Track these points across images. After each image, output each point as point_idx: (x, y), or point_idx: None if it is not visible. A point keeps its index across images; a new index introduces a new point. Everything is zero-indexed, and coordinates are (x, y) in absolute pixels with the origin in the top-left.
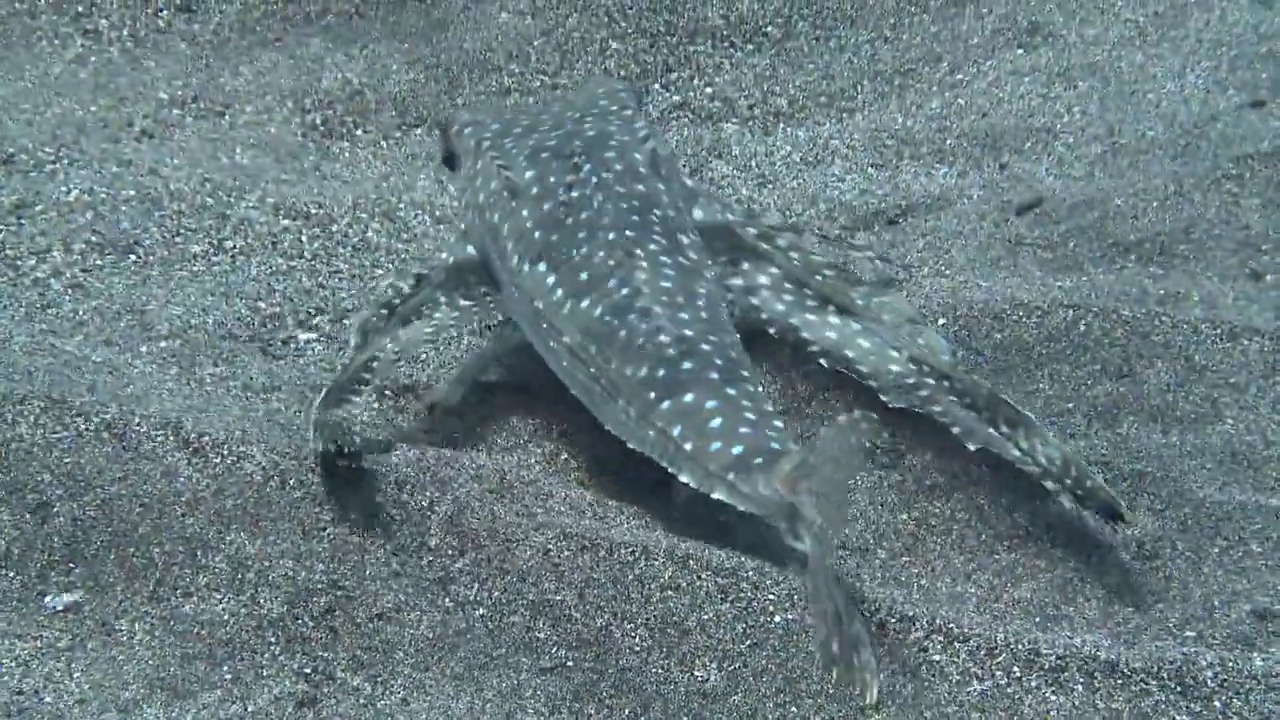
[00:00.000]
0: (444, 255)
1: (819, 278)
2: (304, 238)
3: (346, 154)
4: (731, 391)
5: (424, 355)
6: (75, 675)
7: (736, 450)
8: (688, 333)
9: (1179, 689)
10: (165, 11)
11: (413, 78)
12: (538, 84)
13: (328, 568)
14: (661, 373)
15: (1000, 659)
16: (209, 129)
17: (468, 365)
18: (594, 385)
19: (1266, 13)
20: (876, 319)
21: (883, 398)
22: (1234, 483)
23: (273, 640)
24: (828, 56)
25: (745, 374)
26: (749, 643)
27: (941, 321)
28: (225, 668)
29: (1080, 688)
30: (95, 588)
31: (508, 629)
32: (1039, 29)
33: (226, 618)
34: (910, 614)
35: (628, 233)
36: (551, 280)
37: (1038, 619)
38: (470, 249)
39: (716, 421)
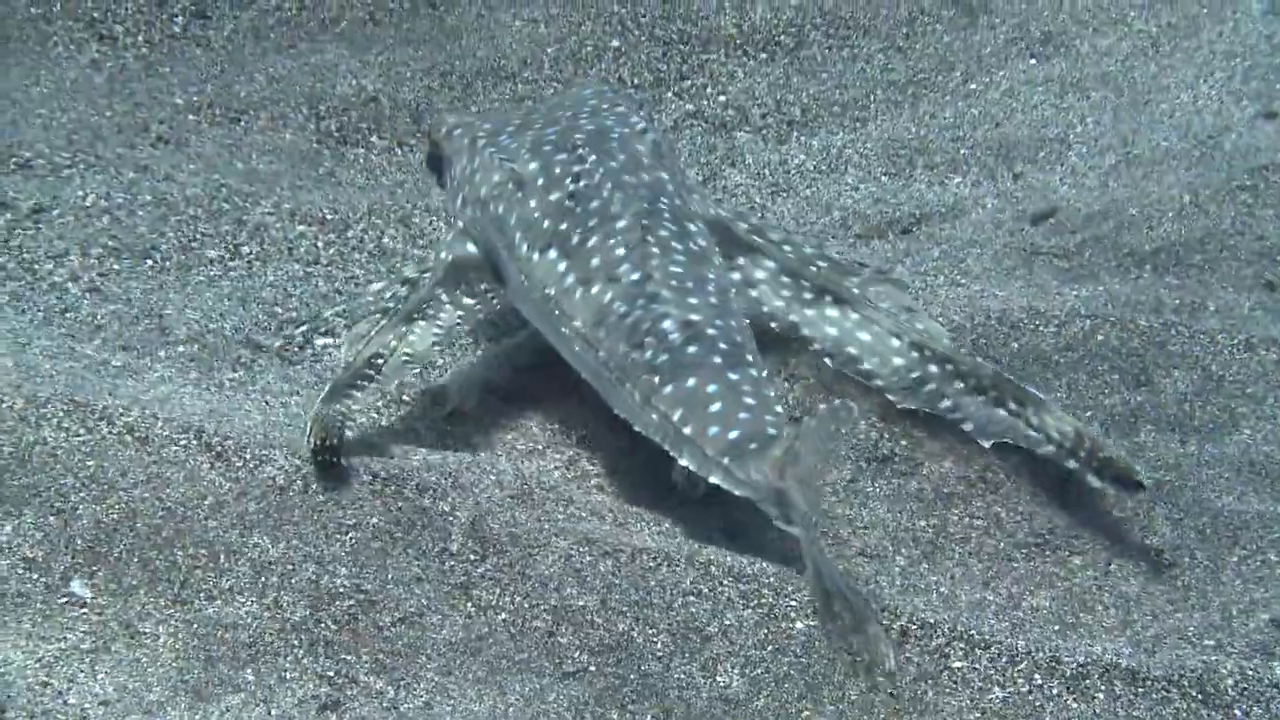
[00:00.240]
0: (443, 254)
1: (813, 269)
2: (320, 243)
3: (361, 160)
4: (734, 376)
5: (439, 362)
6: (99, 677)
7: (732, 435)
8: (695, 317)
9: (1200, 697)
10: (180, 18)
11: (427, 85)
12: (551, 91)
13: (350, 572)
14: (665, 357)
15: (1021, 666)
16: (224, 135)
17: (478, 369)
18: (603, 370)
19: (1279, 24)
20: (873, 307)
21: (890, 398)
22: (1252, 492)
23: (296, 644)
24: (841, 66)
25: (750, 358)
26: (771, 648)
27: (954, 324)
28: (249, 671)
29: (1101, 695)
30: (119, 590)
31: (530, 634)
32: (1052, 39)
33: (250, 621)
34: (932, 621)
35: (639, 220)
36: (563, 267)
37: (1057, 627)
38: (470, 246)
39: (716, 406)
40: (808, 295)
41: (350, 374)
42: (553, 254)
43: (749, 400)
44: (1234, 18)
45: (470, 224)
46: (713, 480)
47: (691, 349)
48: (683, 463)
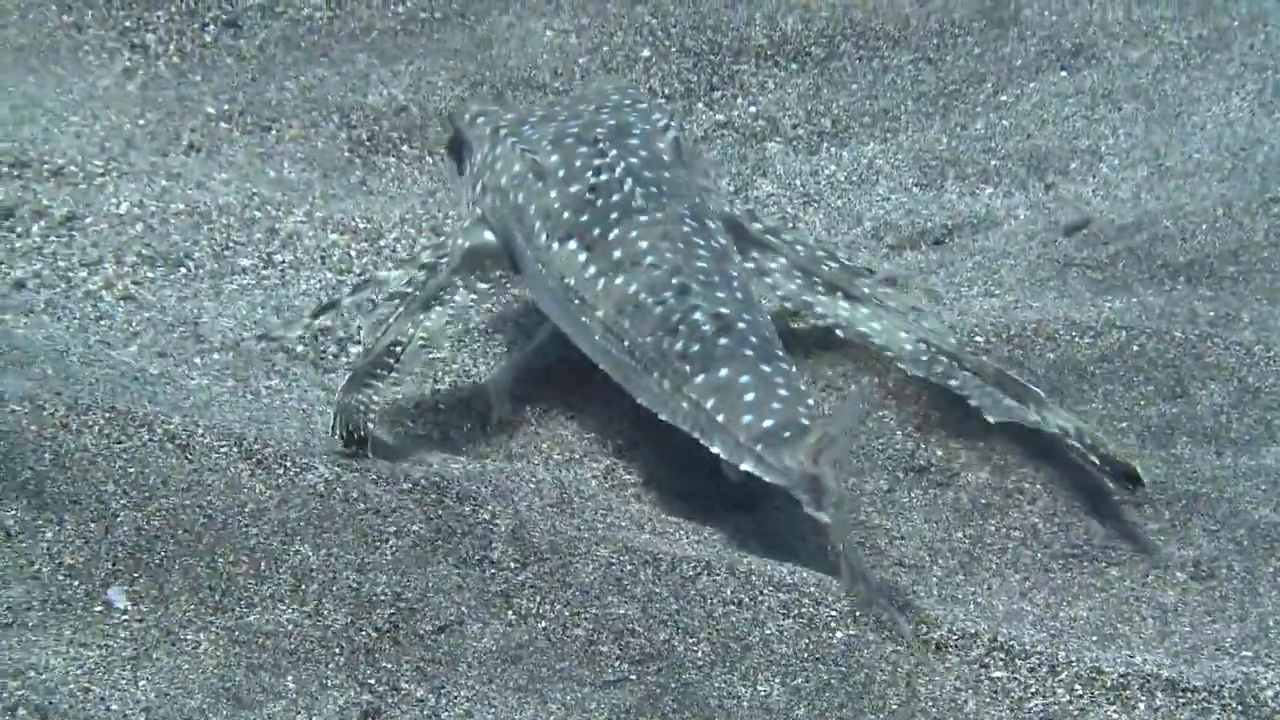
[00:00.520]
0: (459, 241)
1: (825, 268)
2: (352, 252)
3: (393, 169)
4: (766, 368)
5: (475, 370)
6: (141, 684)
7: (767, 424)
8: (724, 310)
9: (1240, 708)
10: (212, 27)
11: (458, 94)
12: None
13: (391, 579)
14: (697, 347)
15: (1062, 676)
16: (256, 144)
17: (506, 374)
18: (626, 359)
19: None
20: (881, 305)
21: (901, 366)
22: None
23: (337, 651)
24: (871, 77)
25: (779, 353)
26: (811, 658)
27: (988, 339)
28: (290, 678)
29: (1142, 706)
30: (160, 597)
31: (570, 642)
32: (1082, 51)
33: (291, 628)
34: (972, 630)
35: (658, 215)
36: (584, 258)
37: (1095, 637)
38: (487, 233)
39: (750, 396)
40: (820, 289)
41: (370, 361)
42: (573, 245)
43: (782, 391)
44: (1265, 30)
45: (489, 212)
46: (744, 467)
47: (723, 341)
48: (714, 450)
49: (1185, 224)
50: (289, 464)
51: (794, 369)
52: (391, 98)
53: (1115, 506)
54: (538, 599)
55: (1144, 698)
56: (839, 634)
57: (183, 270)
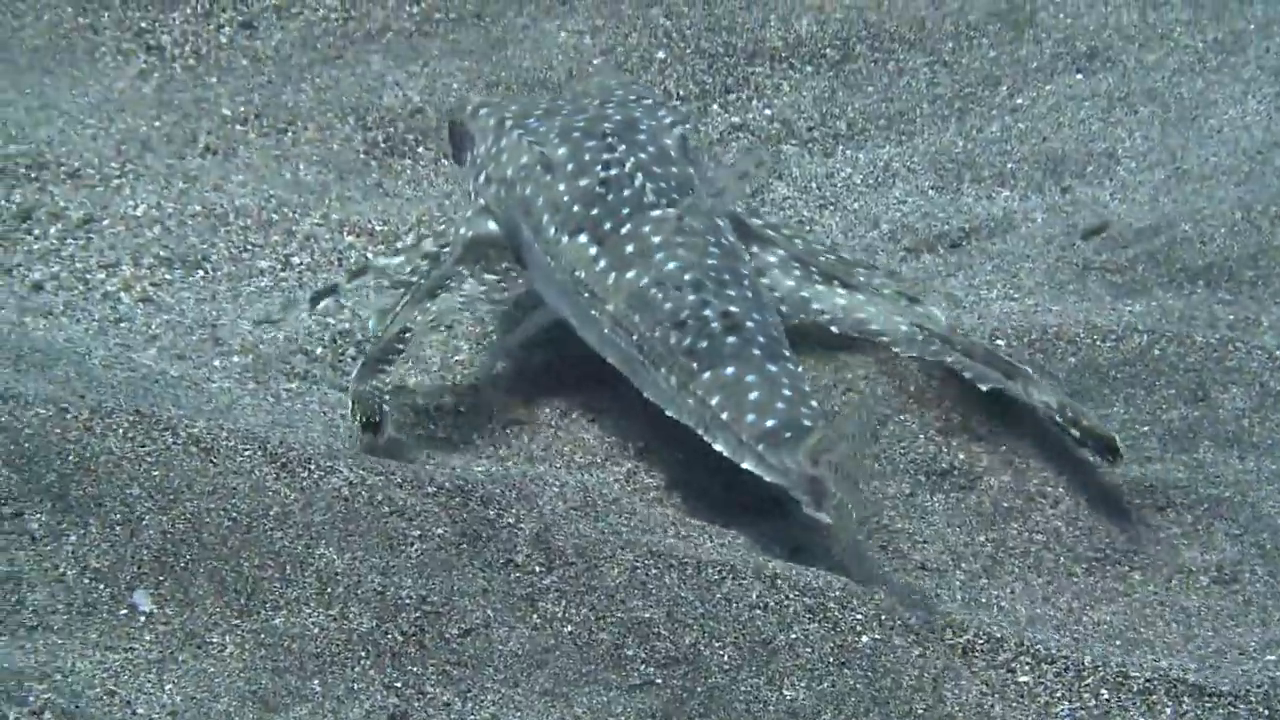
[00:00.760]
0: (463, 230)
1: (822, 259)
2: (369, 254)
3: (409, 171)
4: (772, 368)
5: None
6: (167, 687)
7: (769, 423)
8: (733, 309)
9: (1267, 713)
10: (227, 28)
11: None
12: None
13: (416, 583)
14: (705, 344)
15: (1088, 681)
16: (272, 145)
17: (493, 356)
18: (634, 353)
19: None
20: (877, 293)
21: (895, 349)
22: None
23: (363, 654)
24: (886, 79)
25: (786, 353)
26: (837, 662)
27: (1009, 342)
28: (316, 681)
29: (1169, 711)
30: (185, 600)
31: (596, 646)
32: (1098, 54)
33: (316, 632)
34: (999, 635)
35: (670, 211)
36: (594, 251)
37: (1119, 642)
38: (490, 223)
39: (754, 395)
40: (817, 279)
41: (381, 349)
42: (583, 238)
43: (787, 391)
44: None
45: (493, 202)
46: (745, 465)
47: (731, 339)
48: (716, 447)
49: (1204, 227)
50: (313, 467)
51: (800, 369)
52: (407, 99)
53: (1138, 510)
54: (563, 602)
55: (1170, 703)
56: (865, 638)
57: (200, 273)
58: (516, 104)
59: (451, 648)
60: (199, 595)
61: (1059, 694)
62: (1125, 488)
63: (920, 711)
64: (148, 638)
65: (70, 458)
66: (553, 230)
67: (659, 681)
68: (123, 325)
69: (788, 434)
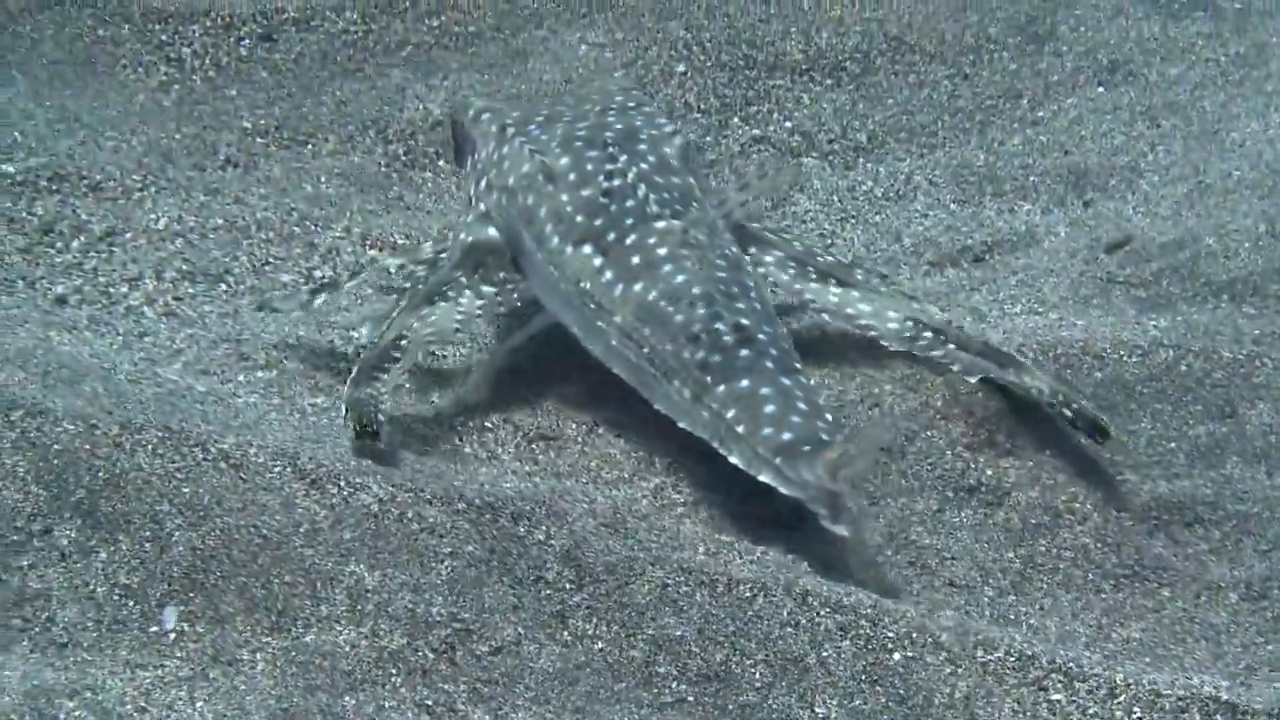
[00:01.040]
0: (462, 236)
1: (820, 260)
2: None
3: (429, 184)
4: (786, 381)
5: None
6: (197, 705)
7: (786, 436)
8: (744, 321)
9: None
10: (247, 40)
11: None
12: None
13: (446, 600)
14: (718, 358)
15: (1120, 699)
16: (292, 158)
17: (493, 360)
18: (645, 365)
19: None
20: (873, 290)
21: (884, 343)
22: None
23: (394, 672)
24: (907, 92)
25: (797, 365)
26: (868, 680)
27: (1035, 357)
28: (347, 699)
29: None
30: (215, 618)
31: (627, 663)
32: (1119, 67)
33: (348, 649)
34: (1030, 653)
35: (675, 222)
36: (599, 262)
37: (1148, 659)
38: (490, 230)
39: (770, 408)
40: (812, 276)
41: (376, 355)
42: (587, 249)
43: (801, 405)
44: None
45: (494, 209)
46: (762, 478)
47: (744, 352)
48: (732, 460)
49: (1228, 241)
50: (342, 484)
51: (812, 382)
52: (427, 112)
53: (1166, 526)
54: (594, 620)
55: None
56: (896, 655)
57: (223, 286)
58: (518, 109)
59: (483, 665)
60: (229, 612)
61: (1091, 712)
62: (1153, 504)
63: None
64: (178, 655)
65: (100, 474)
66: (556, 240)
67: (690, 699)
68: (147, 339)
69: (805, 447)
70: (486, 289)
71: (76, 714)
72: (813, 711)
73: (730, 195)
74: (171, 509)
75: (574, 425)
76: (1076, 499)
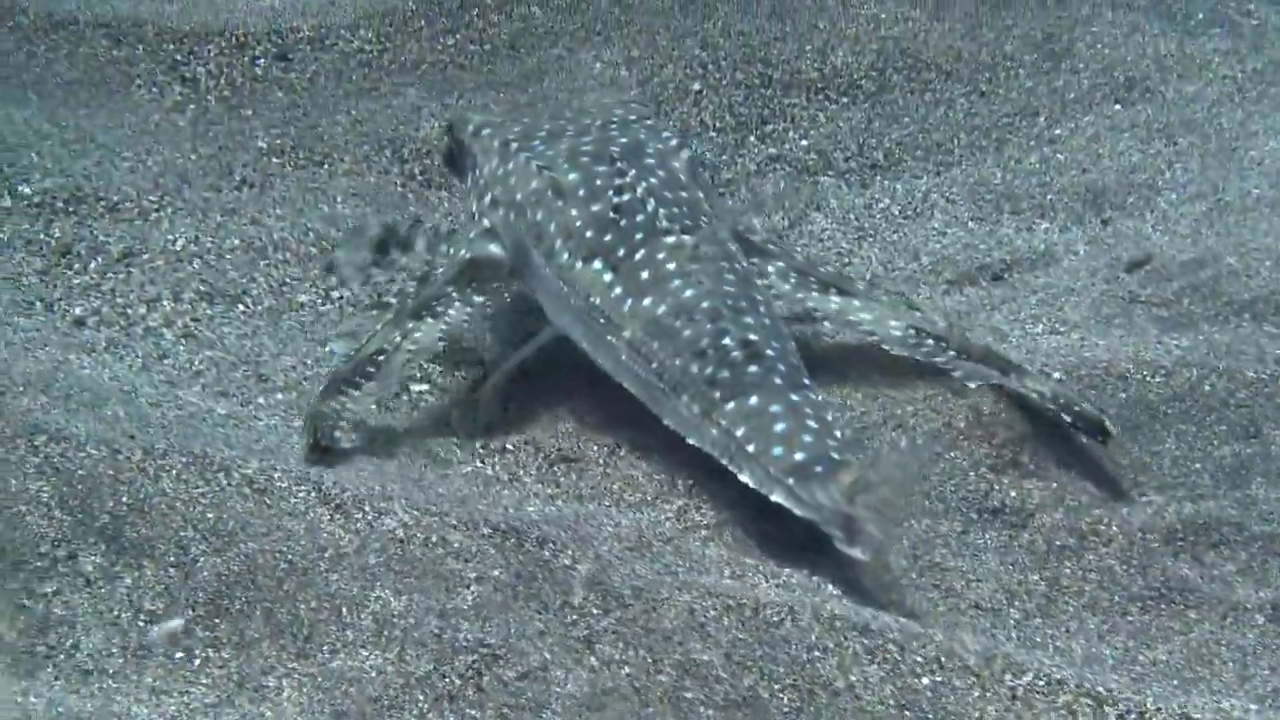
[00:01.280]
0: (462, 252)
1: (822, 269)
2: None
3: (445, 204)
4: (795, 398)
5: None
6: None
7: (798, 456)
8: (753, 337)
9: None
10: (262, 60)
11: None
12: None
13: (473, 625)
14: (726, 373)
15: None
16: (308, 178)
17: (498, 379)
18: (654, 380)
19: None
20: (875, 299)
21: (885, 347)
22: None
23: (421, 698)
24: (923, 110)
25: (806, 381)
26: (898, 704)
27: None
28: None
29: None
30: (241, 644)
31: (655, 688)
32: (1135, 85)
33: (374, 675)
34: (1058, 677)
35: (685, 237)
36: (609, 278)
37: (1176, 681)
38: (492, 245)
39: (780, 426)
40: (814, 285)
41: (350, 368)
42: (597, 264)
43: (811, 423)
44: None
45: (500, 225)
46: (774, 498)
47: (753, 368)
48: (742, 478)
49: (1249, 260)
50: (367, 508)
51: (821, 398)
52: (443, 131)
53: (1192, 548)
54: (621, 644)
55: None
56: (924, 680)
57: (241, 307)
58: (518, 124)
59: (510, 690)
60: (255, 638)
61: None
62: (1178, 525)
63: None
64: (204, 681)
65: (124, 499)
66: (566, 255)
67: None
68: (166, 361)
69: (818, 468)
70: (477, 298)
71: None
72: None
73: (737, 209)
74: (196, 534)
75: (595, 447)
76: (1101, 521)
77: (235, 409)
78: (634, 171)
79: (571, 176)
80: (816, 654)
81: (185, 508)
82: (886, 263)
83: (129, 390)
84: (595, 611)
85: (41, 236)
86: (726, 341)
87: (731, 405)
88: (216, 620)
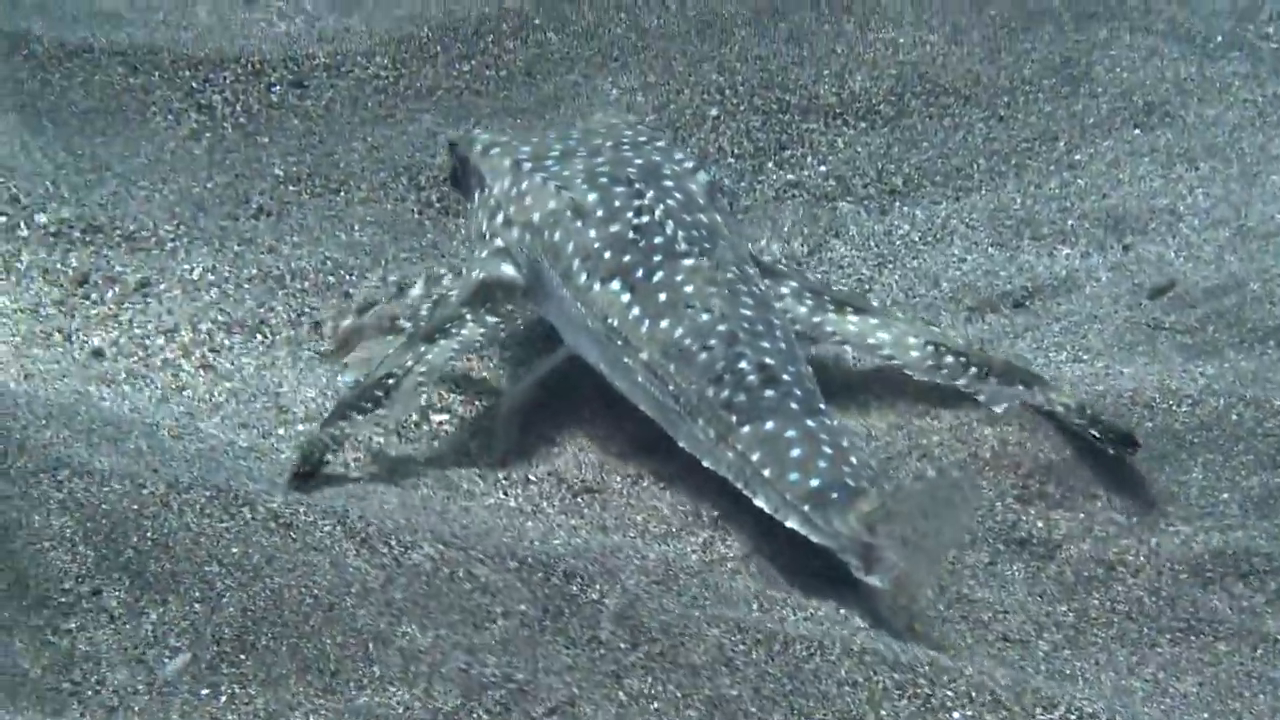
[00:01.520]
0: (475, 273)
1: (836, 289)
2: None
3: (463, 231)
4: (811, 423)
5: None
6: None
7: (814, 483)
8: (769, 361)
9: None
10: (278, 87)
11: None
12: None
13: (500, 660)
14: (742, 397)
15: None
16: (325, 206)
17: (514, 403)
18: (670, 403)
19: None
20: (892, 317)
21: (907, 372)
22: None
23: None
24: (942, 135)
25: (821, 406)
26: None
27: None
28: None
29: None
30: (267, 680)
31: None
32: (1155, 109)
33: (401, 711)
34: (1090, 710)
35: (703, 260)
36: (627, 299)
37: (1206, 715)
38: (505, 266)
39: (796, 451)
40: (830, 306)
41: (359, 393)
42: (615, 285)
43: (827, 449)
44: None
45: (514, 245)
46: (789, 524)
47: (769, 392)
48: (757, 503)
49: (1272, 286)
50: (393, 543)
51: (837, 423)
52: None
53: (1221, 579)
54: (649, 679)
55: None
56: (955, 715)
57: (259, 337)
58: (527, 144)
59: None
60: (281, 674)
61: None
62: (1206, 556)
63: None
64: (230, 718)
65: (148, 534)
66: (584, 277)
67: None
68: (185, 393)
69: (834, 495)
70: (490, 319)
71: None
72: None
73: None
74: (221, 569)
75: (618, 477)
76: (1129, 551)
77: (256, 441)
78: (653, 193)
79: (590, 197)
80: (846, 689)
81: (210, 542)
82: (908, 290)
83: (150, 423)
84: (623, 646)
85: (58, 266)
86: (743, 365)
87: (747, 430)
88: (242, 656)
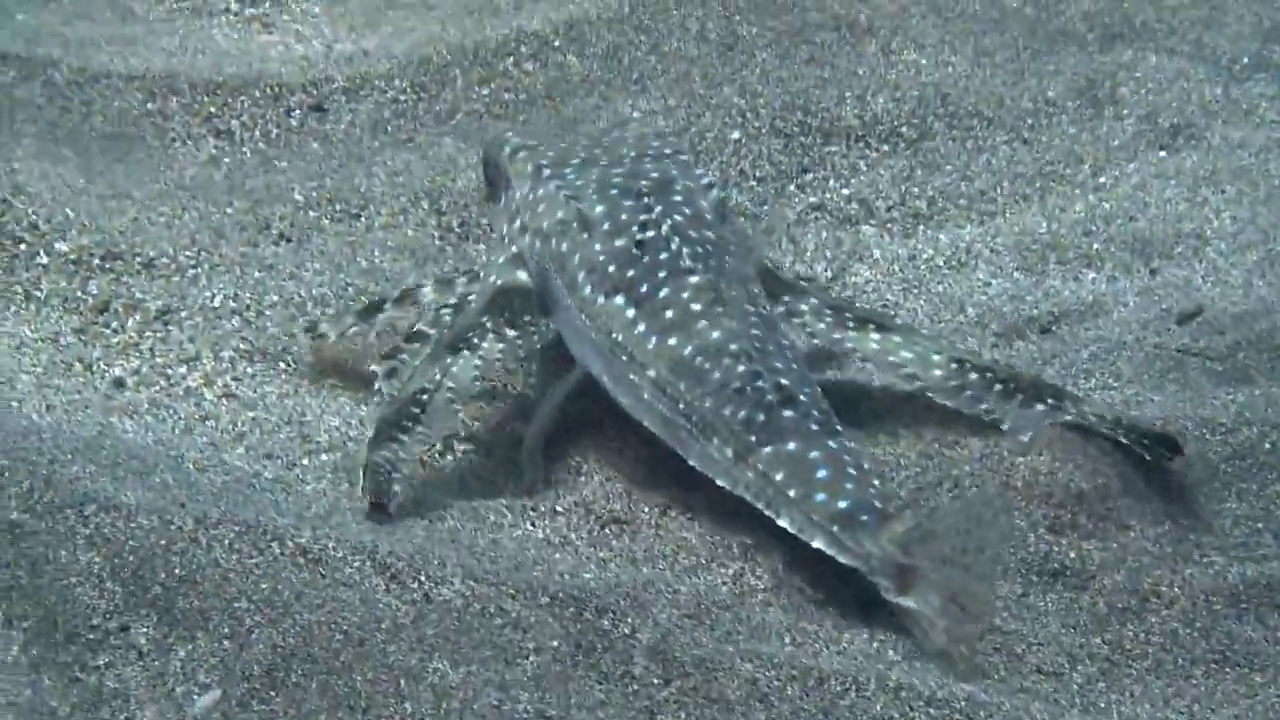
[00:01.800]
0: (492, 279)
1: (856, 306)
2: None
3: (484, 257)
4: (833, 445)
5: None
6: None
7: (842, 504)
8: (784, 381)
9: None
10: (297, 111)
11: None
12: None
13: (533, 696)
14: (762, 417)
15: None
16: (346, 231)
17: (536, 434)
18: (680, 420)
19: None
20: (914, 333)
21: (931, 395)
22: None
23: None
24: (965, 157)
25: (838, 428)
26: None
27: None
28: None
29: None
30: (298, 716)
31: None
32: (1181, 131)
33: None
34: None
35: (709, 277)
36: (632, 314)
37: None
38: (520, 272)
39: (822, 473)
40: (850, 324)
41: (396, 411)
42: (619, 300)
43: (851, 470)
44: None
45: (527, 251)
46: (815, 545)
47: (788, 413)
48: (780, 523)
49: None
50: (423, 578)
51: (853, 445)
52: (480, 182)
53: (1256, 609)
54: (683, 715)
55: None
56: None
57: (282, 365)
58: (553, 149)
59: None
60: (312, 711)
61: None
62: (1241, 586)
63: None
64: None
65: (176, 570)
66: (588, 289)
67: None
68: (209, 423)
69: (863, 516)
70: (510, 332)
71: None
72: None
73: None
74: (250, 605)
75: (646, 509)
76: (1163, 582)
77: (281, 472)
78: (660, 208)
79: (597, 209)
80: None
81: (239, 578)
82: (933, 315)
83: (175, 455)
84: (656, 681)
85: (79, 294)
86: (761, 384)
87: (769, 450)
88: (272, 693)
